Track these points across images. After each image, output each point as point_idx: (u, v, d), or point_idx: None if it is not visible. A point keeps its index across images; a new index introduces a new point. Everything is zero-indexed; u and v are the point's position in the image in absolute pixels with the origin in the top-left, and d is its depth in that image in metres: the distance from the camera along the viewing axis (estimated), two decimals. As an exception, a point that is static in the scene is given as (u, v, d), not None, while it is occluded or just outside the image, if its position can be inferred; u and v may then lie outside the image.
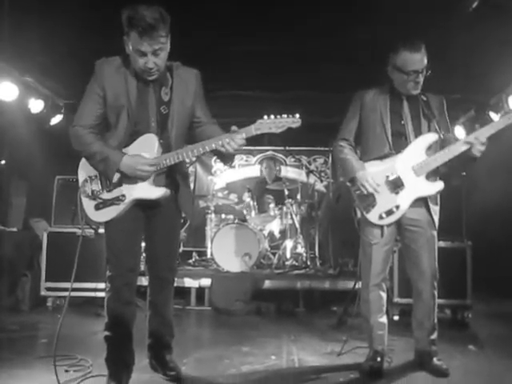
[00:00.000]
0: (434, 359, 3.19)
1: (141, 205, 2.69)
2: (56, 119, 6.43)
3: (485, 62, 5.00)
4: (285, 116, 2.54)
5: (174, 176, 2.79)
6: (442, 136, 3.11)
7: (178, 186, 2.82)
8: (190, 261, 6.63)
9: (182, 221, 3.64)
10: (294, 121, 2.54)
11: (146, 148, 2.64)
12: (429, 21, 4.35)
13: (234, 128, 2.57)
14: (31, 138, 6.26)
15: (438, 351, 3.24)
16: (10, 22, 4.17)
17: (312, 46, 5.17)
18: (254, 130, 2.55)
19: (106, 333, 2.75)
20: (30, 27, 4.41)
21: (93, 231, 2.74)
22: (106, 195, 2.66)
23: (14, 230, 6.06)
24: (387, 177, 3.12)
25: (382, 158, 3.16)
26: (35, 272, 5.19)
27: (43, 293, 4.99)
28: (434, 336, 3.24)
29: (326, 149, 8.12)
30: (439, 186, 3.12)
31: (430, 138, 3.12)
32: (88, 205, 2.70)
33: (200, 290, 5.30)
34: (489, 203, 5.90)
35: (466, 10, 4.11)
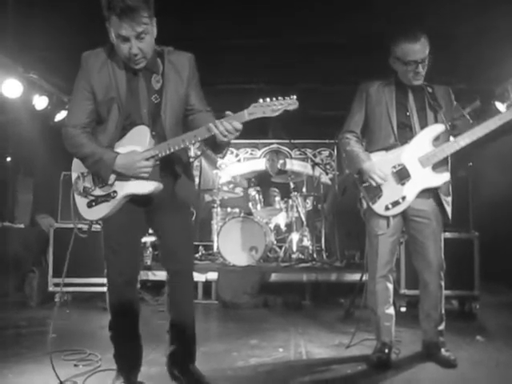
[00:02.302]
0: (442, 350, 3.19)
1: (136, 200, 2.58)
2: (61, 115, 6.43)
3: (489, 51, 4.97)
4: (280, 98, 2.39)
5: (172, 167, 2.64)
6: (448, 127, 3.09)
7: (177, 177, 2.67)
8: (197, 255, 6.63)
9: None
10: (289, 103, 2.37)
11: (138, 141, 2.52)
12: (432, 9, 4.32)
13: (228, 113, 2.41)
14: (36, 135, 6.29)
15: (445, 342, 3.24)
16: (14, 17, 4.17)
17: (315, 38, 5.15)
18: (247, 114, 2.38)
19: (111, 332, 2.70)
20: (34, 22, 4.40)
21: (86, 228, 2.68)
22: (97, 192, 2.57)
23: (21, 226, 6.10)
24: (393, 168, 3.11)
25: (387, 149, 3.15)
26: (42, 268, 5.22)
27: (51, 288, 5.00)
28: (442, 327, 3.24)
29: (331, 141, 8.12)
30: (445, 177, 3.10)
31: (437, 128, 3.10)
32: (80, 202, 2.62)
33: (207, 284, 5.32)
34: (496, 194, 5.87)
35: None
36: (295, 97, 2.39)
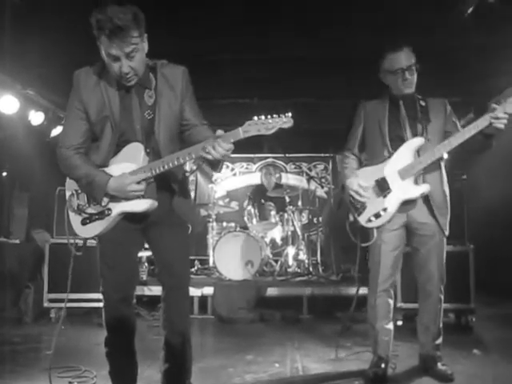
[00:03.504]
0: (439, 364, 3.19)
1: (131, 216, 2.55)
2: (56, 131, 6.43)
3: (483, 65, 5.02)
4: (275, 116, 2.33)
5: (168, 184, 2.62)
6: (427, 140, 3.12)
7: (173, 194, 2.65)
8: (193, 269, 6.62)
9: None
10: (284, 121, 2.32)
11: (132, 158, 2.50)
12: (428, 25, 4.38)
13: (219, 132, 2.37)
14: (32, 150, 6.29)
15: (442, 356, 3.24)
16: (12, 35, 4.20)
17: (310, 53, 5.19)
18: (241, 133, 2.32)
19: (107, 349, 2.67)
20: (31, 40, 4.43)
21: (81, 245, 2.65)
22: (91, 209, 2.54)
23: (17, 241, 6.07)
24: (376, 181, 3.18)
25: (378, 163, 3.21)
26: (38, 283, 5.18)
27: (46, 304, 4.98)
28: (439, 341, 3.25)
29: (327, 155, 8.17)
30: (424, 188, 3.12)
31: (415, 142, 3.14)
32: (74, 220, 2.59)
33: (203, 299, 5.30)
34: (491, 206, 5.89)
35: (462, 15, 4.15)
36: (290, 114, 2.35)
